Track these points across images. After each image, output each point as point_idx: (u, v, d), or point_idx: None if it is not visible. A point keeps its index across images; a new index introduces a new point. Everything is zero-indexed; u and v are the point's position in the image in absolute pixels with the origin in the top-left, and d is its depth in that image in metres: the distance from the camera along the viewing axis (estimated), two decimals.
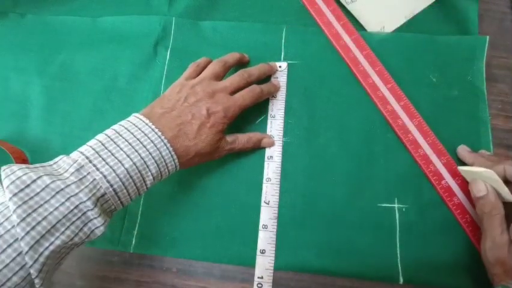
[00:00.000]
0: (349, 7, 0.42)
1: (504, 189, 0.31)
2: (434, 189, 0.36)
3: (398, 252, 0.35)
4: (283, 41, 0.41)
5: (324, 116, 0.39)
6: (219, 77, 0.36)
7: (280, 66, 0.40)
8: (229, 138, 0.35)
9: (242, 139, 0.36)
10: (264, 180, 0.37)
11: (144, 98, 0.40)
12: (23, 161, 0.38)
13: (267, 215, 0.36)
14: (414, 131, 0.37)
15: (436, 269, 0.34)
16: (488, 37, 0.40)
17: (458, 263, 0.34)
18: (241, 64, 0.40)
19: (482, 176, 0.32)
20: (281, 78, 0.40)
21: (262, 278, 0.34)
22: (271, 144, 0.38)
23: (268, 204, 0.36)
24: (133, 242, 0.36)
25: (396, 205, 0.36)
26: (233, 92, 0.35)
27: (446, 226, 0.35)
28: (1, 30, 0.44)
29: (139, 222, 0.37)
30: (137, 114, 0.31)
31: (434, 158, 0.36)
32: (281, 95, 0.39)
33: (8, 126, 0.40)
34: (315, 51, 0.41)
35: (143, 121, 0.30)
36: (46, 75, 0.42)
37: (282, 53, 0.41)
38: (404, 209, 0.36)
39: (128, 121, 0.31)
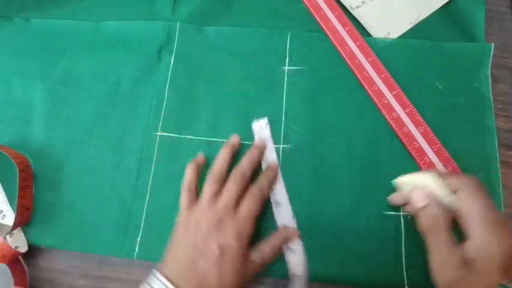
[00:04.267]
0: (354, 13, 0.42)
1: (448, 197, 0.28)
2: None
3: (404, 260, 0.34)
4: (287, 46, 0.41)
5: (329, 122, 0.39)
6: (218, 191, 0.33)
7: (260, 126, 0.38)
8: (256, 258, 0.32)
9: (270, 252, 0.32)
10: None
11: (148, 103, 0.40)
12: (26, 166, 0.38)
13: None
14: (420, 139, 0.37)
15: None
16: (493, 44, 0.39)
17: None
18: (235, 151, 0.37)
19: (419, 182, 0.29)
20: (265, 132, 0.38)
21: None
22: (295, 235, 0.34)
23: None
24: (136, 249, 0.36)
25: (401, 213, 0.36)
26: (237, 202, 0.32)
27: None
28: (5, 34, 0.44)
29: (143, 229, 0.37)
30: (160, 277, 0.29)
31: (439, 166, 0.36)
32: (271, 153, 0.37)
33: (10, 131, 0.40)
34: (320, 57, 0.41)
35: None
36: (49, 80, 0.42)
37: (287, 59, 0.41)
38: (409, 217, 0.35)
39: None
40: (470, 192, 0.27)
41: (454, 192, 0.28)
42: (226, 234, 0.30)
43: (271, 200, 0.36)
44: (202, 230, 0.31)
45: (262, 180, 0.35)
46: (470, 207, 0.27)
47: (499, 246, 0.26)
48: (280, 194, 0.36)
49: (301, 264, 0.34)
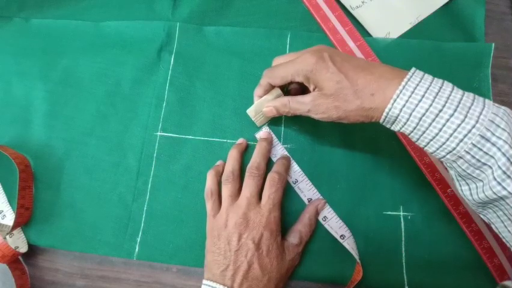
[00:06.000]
0: (354, 13, 0.42)
1: (275, 91, 0.34)
2: (440, 197, 0.35)
3: (404, 260, 0.35)
4: (287, 46, 0.41)
5: (328, 122, 0.38)
6: (235, 191, 0.34)
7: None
8: (293, 239, 0.33)
9: (305, 229, 0.34)
10: None
11: (147, 103, 0.40)
12: (26, 166, 0.38)
13: None
14: None
15: (442, 277, 0.34)
16: (493, 44, 0.39)
17: (464, 272, 0.34)
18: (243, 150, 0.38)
19: (259, 103, 0.35)
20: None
21: None
22: (324, 205, 0.36)
23: None
24: (137, 249, 0.36)
25: (401, 213, 0.36)
26: (258, 195, 0.33)
27: (451, 235, 0.35)
28: (5, 34, 0.44)
29: (143, 229, 0.37)
30: (206, 281, 0.31)
31: (439, 165, 0.36)
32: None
33: (11, 131, 0.40)
34: None
35: None
36: (49, 80, 0.42)
37: None
38: (409, 217, 0.36)
39: None
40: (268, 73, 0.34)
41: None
42: (255, 226, 0.31)
43: (290, 181, 0.36)
44: (230, 229, 0.32)
45: (276, 166, 0.35)
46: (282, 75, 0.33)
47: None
48: (294, 173, 0.37)
49: (342, 225, 0.35)
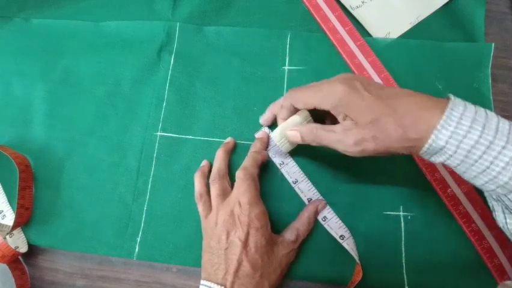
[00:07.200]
0: (354, 13, 0.42)
1: (302, 114, 0.32)
2: (440, 197, 0.35)
3: (404, 260, 0.34)
4: (287, 46, 0.41)
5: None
6: (222, 189, 0.34)
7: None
8: (290, 236, 0.33)
9: (303, 227, 0.34)
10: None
11: (147, 103, 0.40)
12: (26, 166, 0.38)
13: None
14: None
15: (442, 278, 0.34)
16: (493, 44, 0.39)
17: (464, 272, 0.34)
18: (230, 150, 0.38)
19: (284, 126, 0.33)
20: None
21: None
22: (324, 206, 0.36)
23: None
24: (137, 249, 0.36)
25: (401, 213, 0.36)
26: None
27: (451, 235, 0.35)
28: (5, 34, 0.44)
29: (143, 229, 0.37)
30: (203, 281, 0.31)
31: (440, 166, 0.36)
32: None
33: (11, 131, 0.40)
34: (320, 57, 0.41)
35: None
36: (49, 80, 0.41)
37: (287, 59, 0.41)
38: (409, 217, 0.36)
39: None
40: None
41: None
42: (240, 224, 0.31)
43: (290, 180, 0.36)
44: (219, 227, 0.32)
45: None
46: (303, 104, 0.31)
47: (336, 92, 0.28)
48: (294, 173, 0.37)
49: (342, 225, 0.35)
